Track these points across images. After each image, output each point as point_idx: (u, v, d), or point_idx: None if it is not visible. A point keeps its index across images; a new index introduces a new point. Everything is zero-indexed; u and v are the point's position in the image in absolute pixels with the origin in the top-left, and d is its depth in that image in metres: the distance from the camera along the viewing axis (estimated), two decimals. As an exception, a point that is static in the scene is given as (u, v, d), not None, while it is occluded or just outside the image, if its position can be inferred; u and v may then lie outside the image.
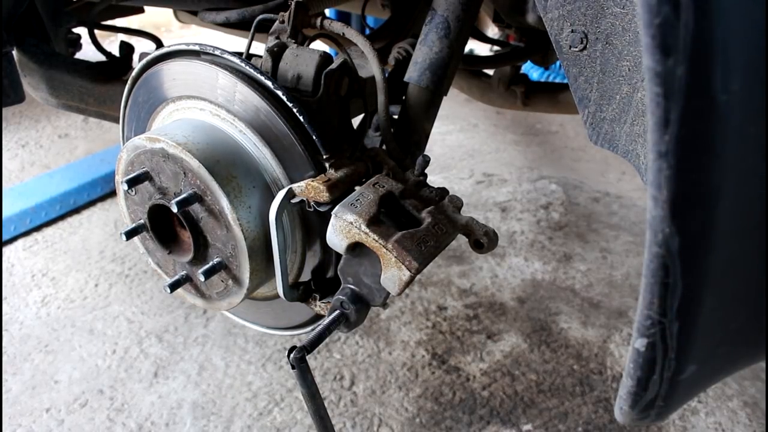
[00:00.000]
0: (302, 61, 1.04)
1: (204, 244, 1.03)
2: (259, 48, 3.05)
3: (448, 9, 1.12)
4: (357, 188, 0.96)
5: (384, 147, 1.12)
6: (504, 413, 1.67)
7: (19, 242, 2.45)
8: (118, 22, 1.90)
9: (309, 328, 1.19)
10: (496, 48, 2.02)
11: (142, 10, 2.10)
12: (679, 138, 0.41)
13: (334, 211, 0.90)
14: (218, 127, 1.03)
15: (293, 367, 0.91)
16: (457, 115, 4.03)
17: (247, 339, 1.91)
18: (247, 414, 1.65)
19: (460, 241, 1.37)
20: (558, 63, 2.58)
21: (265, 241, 1.00)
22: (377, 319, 2.01)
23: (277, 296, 1.07)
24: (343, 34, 1.10)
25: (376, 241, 0.87)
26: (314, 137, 0.96)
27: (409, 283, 0.88)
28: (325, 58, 1.03)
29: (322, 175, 0.96)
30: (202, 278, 0.99)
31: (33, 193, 2.62)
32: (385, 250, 0.86)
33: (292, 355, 0.90)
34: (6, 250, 2.39)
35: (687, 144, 0.41)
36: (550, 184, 3.04)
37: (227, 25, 1.58)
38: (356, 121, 1.16)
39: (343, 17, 3.94)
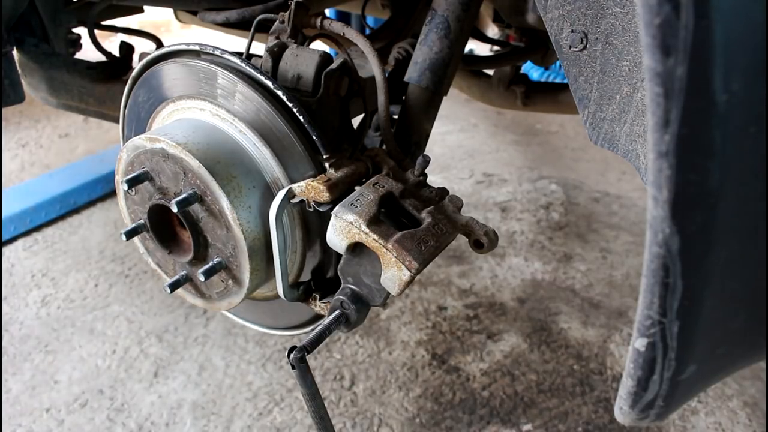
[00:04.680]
0: (302, 61, 1.03)
1: (204, 244, 1.03)
2: (259, 48, 3.05)
3: (448, 9, 1.12)
4: (357, 188, 0.96)
5: (384, 147, 1.12)
6: (504, 413, 1.67)
7: (19, 242, 2.45)
8: (118, 22, 1.90)
9: (309, 328, 1.19)
10: (496, 48, 2.02)
11: (141, 10, 2.10)
12: (679, 138, 0.41)
13: (334, 211, 0.90)
14: (218, 127, 1.03)
15: (293, 367, 0.91)
16: (457, 115, 4.04)
17: (248, 339, 1.91)
18: (247, 414, 1.65)
19: (460, 241, 1.37)
20: (558, 63, 2.58)
21: (265, 241, 1.00)
22: (377, 319, 2.01)
23: (277, 296, 1.07)
24: (343, 34, 1.10)
25: (376, 241, 0.87)
26: (314, 137, 0.96)
27: (409, 283, 0.88)
28: (325, 58, 1.03)
29: (322, 175, 0.96)
30: (202, 278, 0.99)
31: (33, 193, 2.62)
32: (385, 250, 0.86)
33: (292, 355, 0.90)
34: (6, 250, 2.39)
35: (687, 144, 0.41)
36: (550, 184, 3.04)
37: (227, 25, 1.58)
38: (356, 121, 1.16)
39: (343, 17, 3.94)
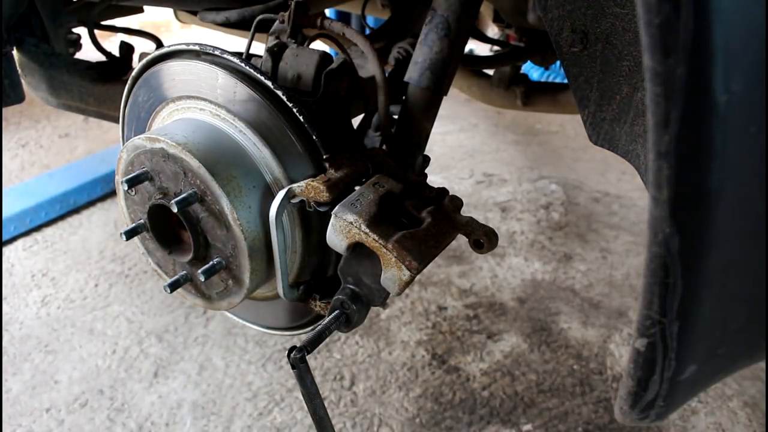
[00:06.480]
0: (302, 61, 1.04)
1: (204, 244, 1.03)
2: (259, 48, 3.05)
3: (448, 9, 1.12)
4: (357, 188, 0.96)
5: (384, 147, 1.12)
6: (504, 413, 1.67)
7: (19, 242, 2.45)
8: (118, 22, 1.90)
9: (309, 329, 1.19)
10: (496, 48, 2.02)
11: (141, 10, 2.10)
12: (679, 138, 0.41)
13: (334, 211, 0.90)
14: (218, 127, 1.03)
15: (293, 367, 0.91)
16: (457, 115, 4.04)
17: (247, 339, 1.91)
18: (247, 414, 1.65)
19: (460, 241, 1.37)
20: (558, 63, 2.58)
21: (265, 241, 1.00)
22: (377, 319, 2.01)
23: (277, 296, 1.07)
24: (343, 34, 1.10)
25: (376, 241, 0.87)
26: (314, 137, 0.96)
27: (409, 283, 0.88)
28: (325, 58, 1.03)
29: (322, 175, 0.96)
30: (202, 278, 0.99)
31: (33, 193, 2.62)
32: (385, 250, 0.86)
33: (292, 355, 0.90)
34: (6, 250, 2.39)
35: (687, 144, 0.41)
36: (550, 184, 3.04)
37: (227, 25, 1.58)
38: (356, 121, 1.16)
39: (343, 17, 3.94)
